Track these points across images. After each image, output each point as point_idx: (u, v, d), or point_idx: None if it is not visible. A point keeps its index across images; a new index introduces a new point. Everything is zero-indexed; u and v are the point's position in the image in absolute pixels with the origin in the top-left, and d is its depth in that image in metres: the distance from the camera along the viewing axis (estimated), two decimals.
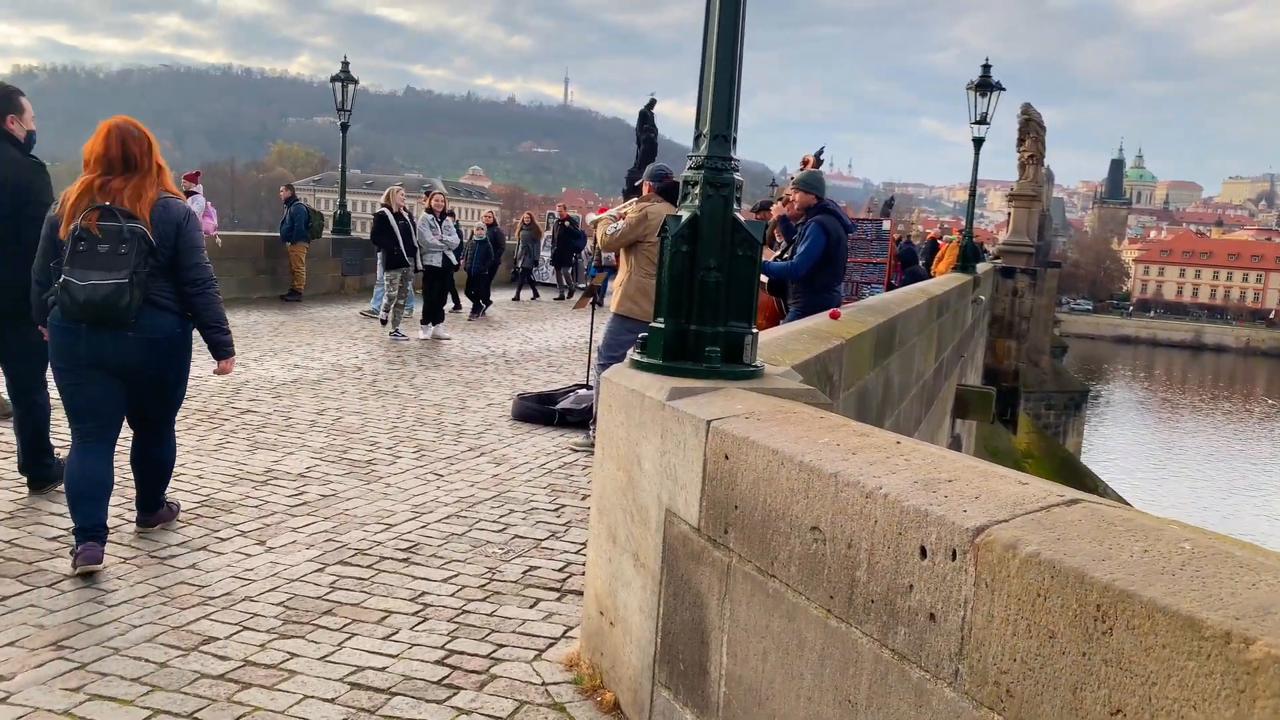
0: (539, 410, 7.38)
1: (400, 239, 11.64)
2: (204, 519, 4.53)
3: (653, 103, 25.14)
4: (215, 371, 4.41)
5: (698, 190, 2.99)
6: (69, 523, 4.25)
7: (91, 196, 3.81)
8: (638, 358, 3.06)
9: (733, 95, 2.98)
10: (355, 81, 18.31)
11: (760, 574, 2.25)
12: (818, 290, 6.57)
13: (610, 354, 6.54)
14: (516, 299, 18.74)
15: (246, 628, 3.39)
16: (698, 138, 3.02)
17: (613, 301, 6.66)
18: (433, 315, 12.07)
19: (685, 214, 2.99)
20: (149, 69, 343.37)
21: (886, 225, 13.77)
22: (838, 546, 2.00)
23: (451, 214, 13.72)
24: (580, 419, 7.19)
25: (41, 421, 4.72)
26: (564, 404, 7.42)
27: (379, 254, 13.04)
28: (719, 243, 2.97)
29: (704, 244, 2.97)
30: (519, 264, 19.82)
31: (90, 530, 3.78)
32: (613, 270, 16.70)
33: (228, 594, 3.67)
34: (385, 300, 12.06)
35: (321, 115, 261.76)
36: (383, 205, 11.88)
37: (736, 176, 3.02)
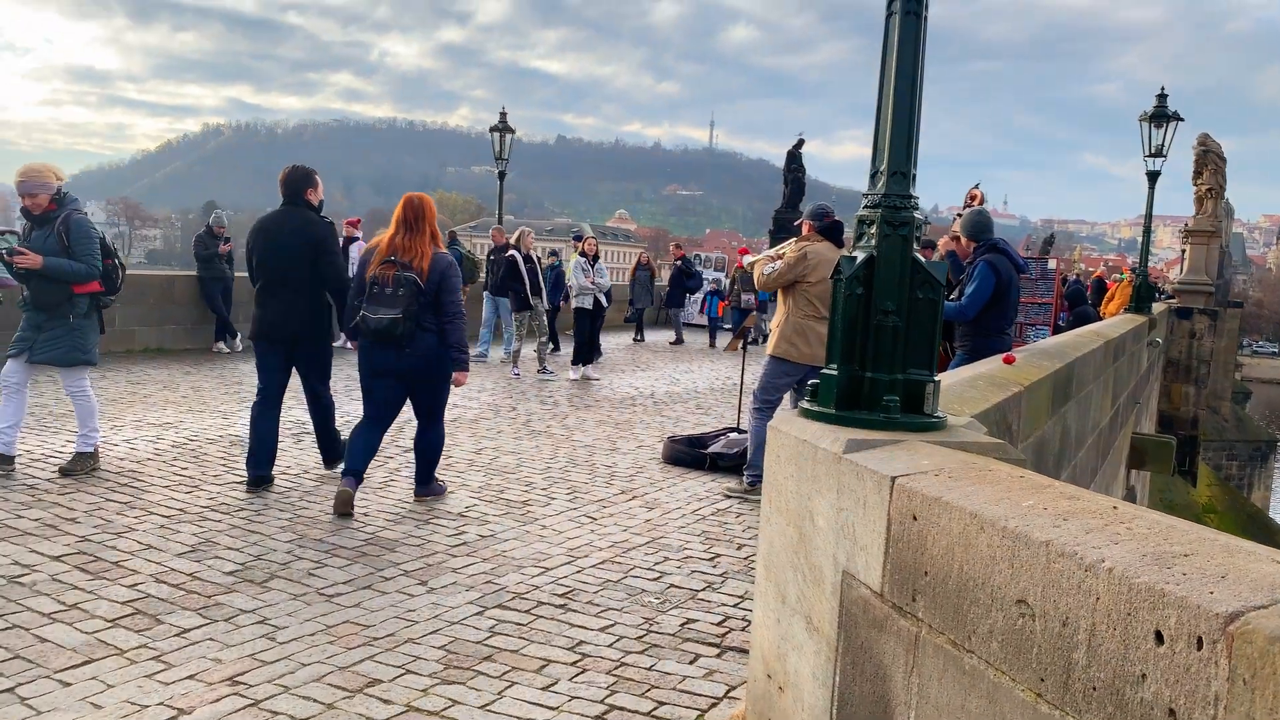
0: (690, 454, 7.27)
1: (528, 282, 11.81)
2: (369, 557, 4.62)
3: (801, 142, 24.99)
4: (453, 383, 5.67)
5: (874, 229, 2.83)
6: (245, 557, 4.42)
7: (385, 253, 5.36)
8: (808, 406, 2.92)
9: (912, 130, 2.83)
10: (512, 131, 18.94)
11: (954, 648, 2.05)
12: (987, 333, 6.23)
13: (765, 397, 6.39)
14: (639, 339, 18.33)
15: (409, 671, 3.39)
16: (874, 175, 2.87)
17: (769, 343, 6.52)
18: (583, 356, 12.21)
19: (861, 254, 2.84)
20: (322, 124, 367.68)
21: (1053, 264, 13.12)
22: (1050, 624, 1.79)
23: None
24: (732, 464, 7.04)
25: (327, 411, 6.25)
26: (715, 447, 7.29)
27: (489, 296, 13.46)
28: (897, 284, 2.80)
29: (881, 286, 2.81)
30: (634, 305, 19.20)
31: (354, 472, 5.42)
32: (752, 311, 16.51)
33: (391, 635, 3.70)
34: (516, 344, 12.13)
35: (478, 164, 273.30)
36: (512, 248, 12.09)
37: (916, 215, 2.85)
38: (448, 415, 8.77)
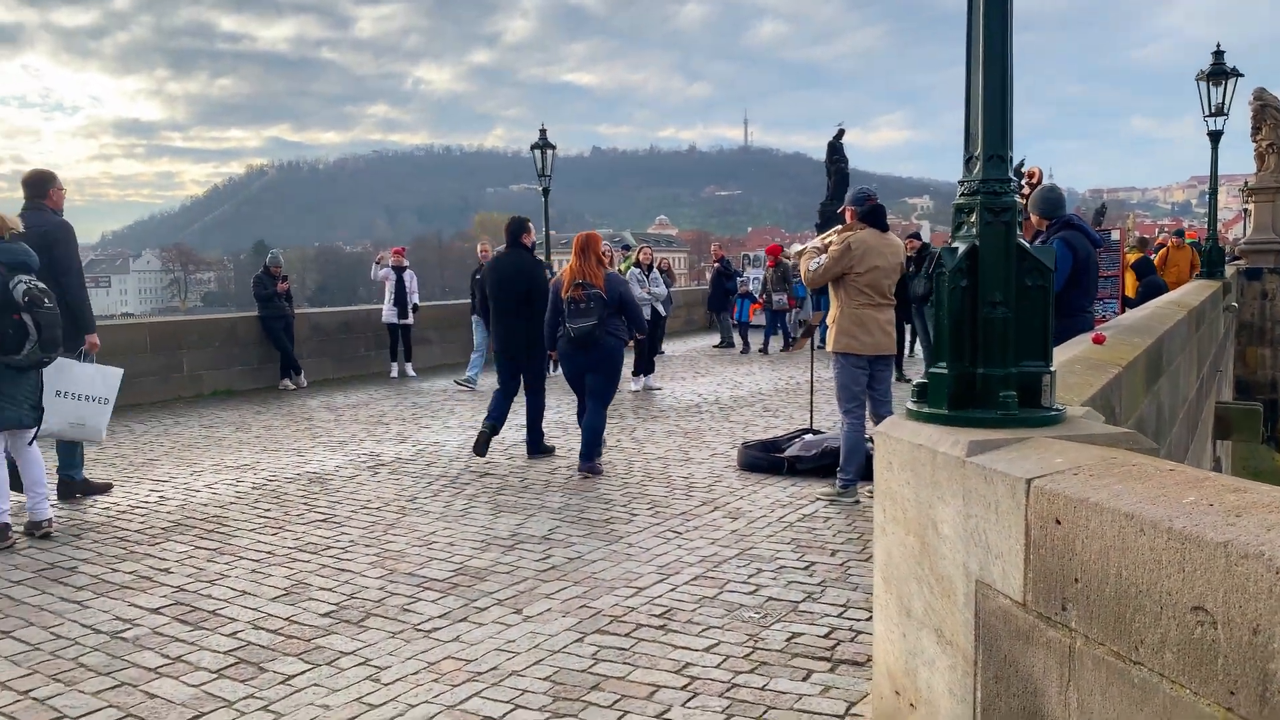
0: (766, 459, 7.13)
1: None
2: (460, 588, 4.57)
3: (841, 133, 24.63)
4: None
5: (974, 217, 2.70)
6: (338, 596, 4.41)
7: (574, 278, 6.98)
8: (916, 407, 2.79)
9: (1006, 111, 2.69)
10: (553, 147, 18.97)
11: (1119, 659, 1.91)
12: (1070, 312, 6.00)
13: (848, 399, 6.22)
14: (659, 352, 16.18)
15: (519, 705, 3.32)
16: (969, 160, 2.74)
17: (828, 340, 6.36)
18: (643, 367, 12.13)
19: (961, 245, 2.71)
20: (361, 156, 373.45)
21: (1116, 235, 12.73)
22: (1236, 632, 1.64)
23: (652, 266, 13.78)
24: (812, 466, 6.89)
25: (538, 411, 7.87)
26: (792, 451, 7.14)
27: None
28: (1004, 274, 2.67)
29: (986, 276, 2.67)
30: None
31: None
32: (787, 310, 16.07)
33: (494, 669, 3.63)
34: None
35: (516, 183, 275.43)
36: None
37: (1017, 199, 2.71)
38: (516, 435, 8.76)
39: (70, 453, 6.55)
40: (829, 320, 6.37)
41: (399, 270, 13.86)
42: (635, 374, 12.15)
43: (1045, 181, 7.62)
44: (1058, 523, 2.08)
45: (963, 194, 2.74)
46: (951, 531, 2.48)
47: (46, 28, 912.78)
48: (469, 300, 13.92)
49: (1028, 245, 2.71)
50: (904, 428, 2.76)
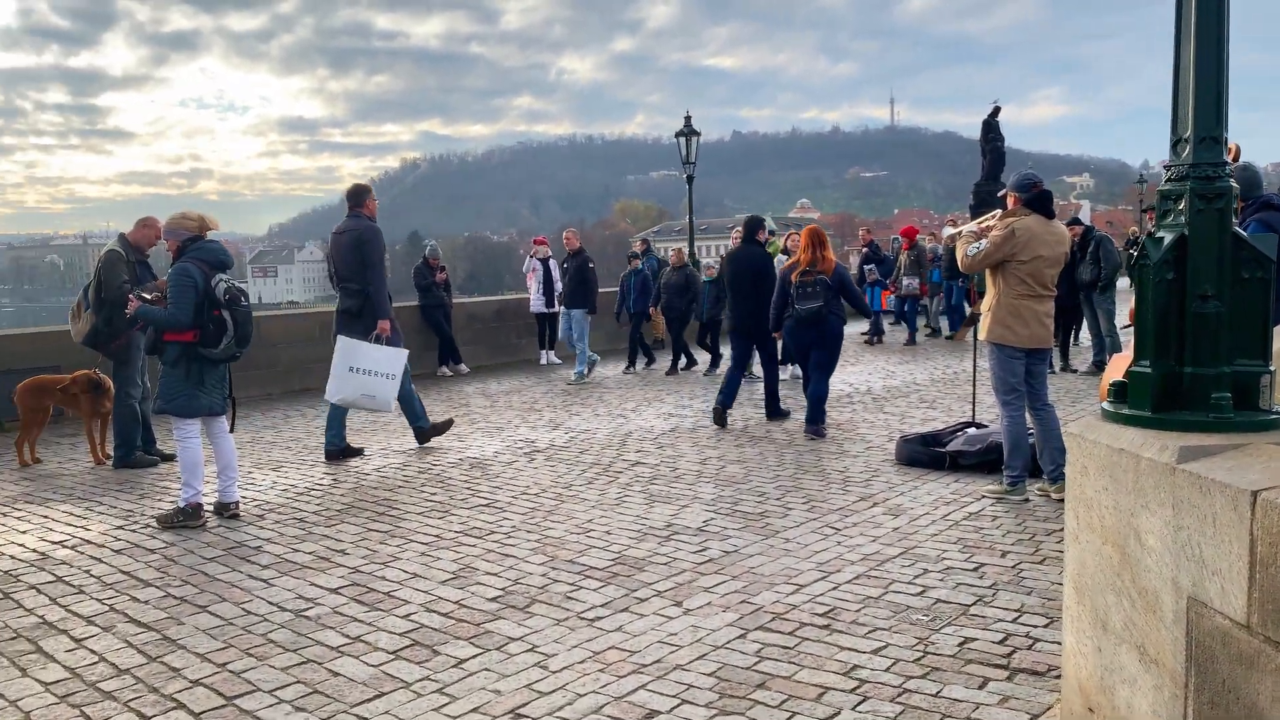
0: (927, 453, 6.90)
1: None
2: (620, 577, 4.61)
3: (997, 110, 23.56)
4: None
5: (1183, 204, 2.50)
6: (503, 582, 4.52)
7: (804, 266, 8.12)
8: (1114, 409, 2.61)
9: (1221, 88, 2.47)
10: (698, 134, 18.92)
11: None
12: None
13: (1006, 391, 5.95)
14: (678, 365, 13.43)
15: (685, 700, 3.31)
16: (1176, 143, 2.54)
17: (982, 329, 6.08)
18: (790, 355, 11.94)
19: (1168, 235, 2.51)
20: (507, 147, 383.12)
21: None
22: None
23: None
24: (976, 461, 6.62)
25: (774, 379, 9.24)
26: (954, 445, 6.88)
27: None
28: (1217, 265, 2.46)
29: (1196, 268, 2.48)
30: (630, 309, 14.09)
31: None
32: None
33: (658, 661, 3.64)
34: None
35: (656, 170, 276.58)
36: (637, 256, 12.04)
37: (1232, 184, 2.49)
38: (665, 425, 8.79)
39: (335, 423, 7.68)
40: (983, 308, 6.10)
41: (544, 261, 14.13)
42: (781, 363, 11.99)
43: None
44: None
45: (1169, 179, 2.55)
46: (1158, 543, 2.31)
47: (220, 33, 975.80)
48: (615, 289, 14.06)
49: (1244, 234, 2.49)
50: (1101, 430, 2.59)
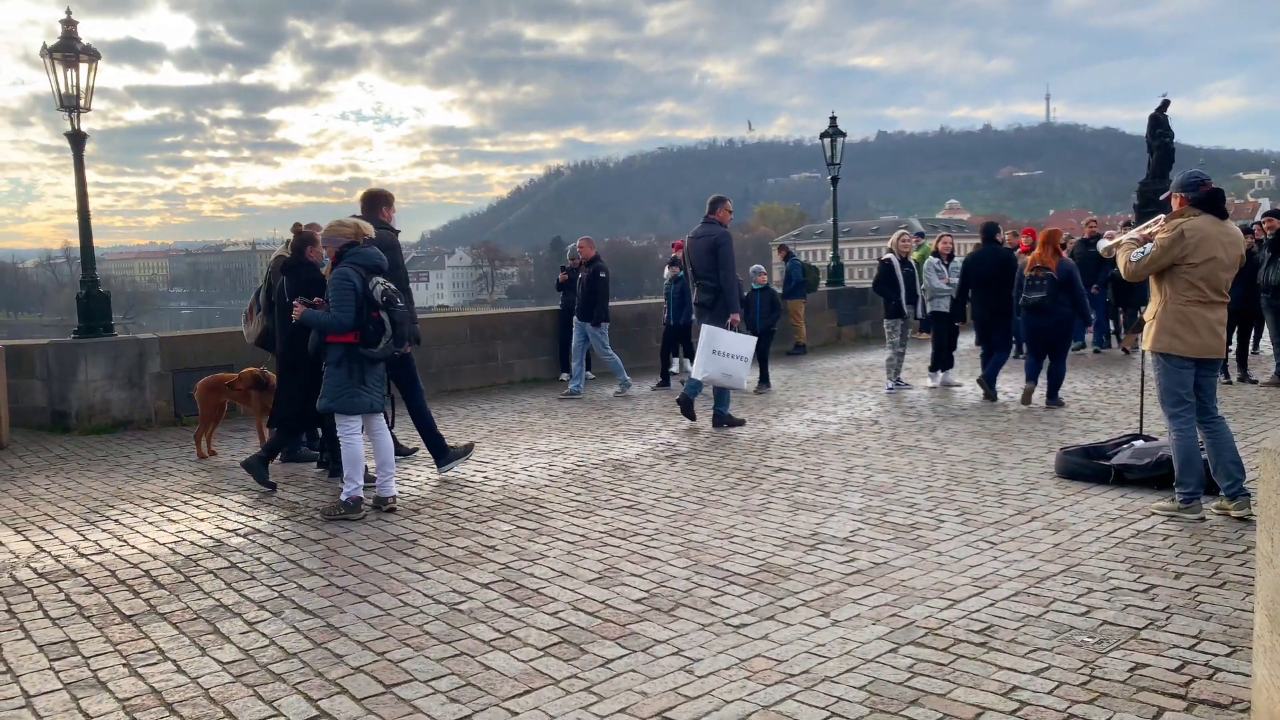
0: (1089, 466, 6.53)
1: (904, 287, 11.17)
2: (765, 585, 4.56)
3: (1165, 104, 22.25)
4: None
5: None
6: (648, 584, 4.55)
7: (1034, 263, 9.62)
8: None
9: None
10: (843, 135, 18.59)
11: None
12: None
13: (1173, 403, 5.56)
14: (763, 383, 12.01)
15: (834, 713, 3.24)
16: None
17: (1146, 337, 5.70)
18: (941, 362, 11.58)
19: None
20: (648, 153, 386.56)
21: None
22: None
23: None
24: (1144, 476, 6.24)
25: (997, 365, 10.50)
26: (1120, 458, 6.50)
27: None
28: None
29: None
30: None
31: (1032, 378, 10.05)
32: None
33: (806, 671, 3.57)
34: (889, 354, 11.47)
35: (796, 172, 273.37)
36: (889, 252, 11.56)
37: None
38: (808, 431, 8.65)
39: (721, 397, 9.09)
40: (1147, 316, 5.73)
41: (673, 262, 13.25)
42: (932, 369, 11.61)
43: None
44: None
45: None
46: None
47: (379, 47, 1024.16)
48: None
49: None
50: None
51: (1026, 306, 9.60)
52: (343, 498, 6.07)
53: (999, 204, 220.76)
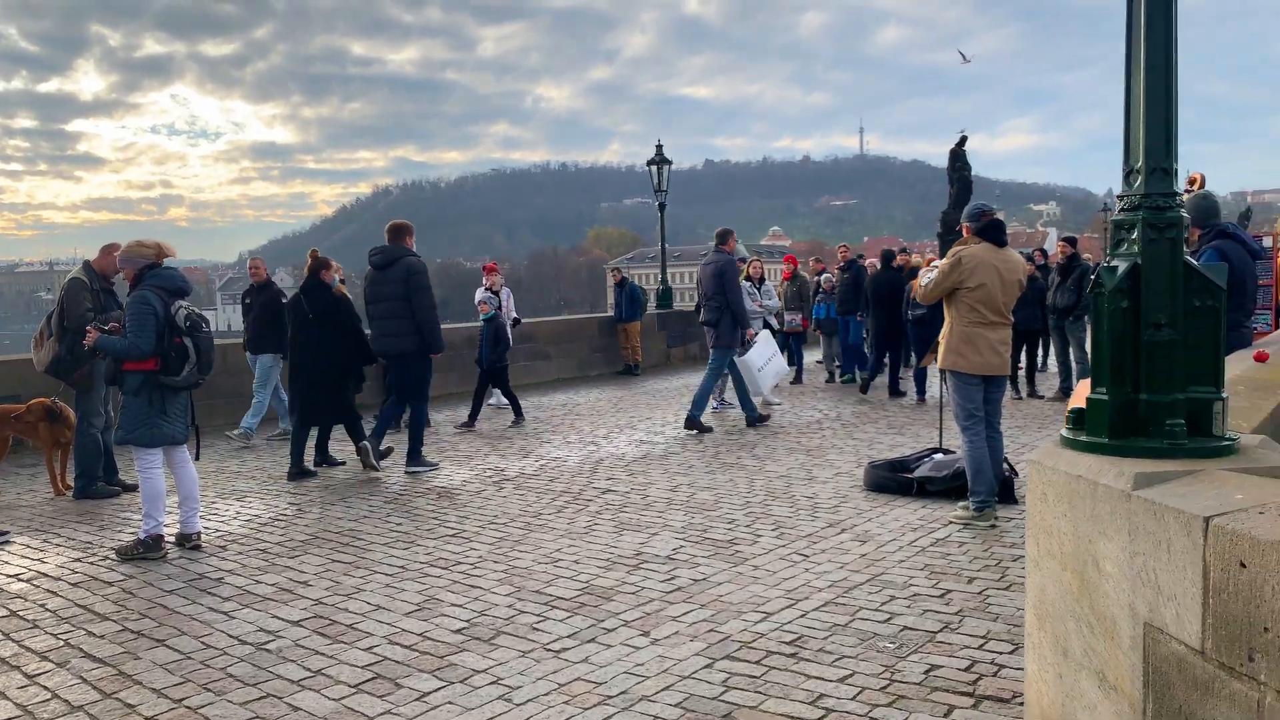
0: (894, 479, 6.92)
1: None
2: (587, 607, 4.57)
3: (963, 139, 23.91)
4: None
5: (1136, 234, 2.54)
6: (469, 613, 4.46)
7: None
8: (1072, 436, 2.63)
9: (1171, 120, 2.52)
10: (669, 162, 19.03)
11: None
12: (1227, 327, 5.63)
13: (965, 417, 6.03)
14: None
15: None
16: (1129, 174, 2.58)
17: (940, 356, 6.18)
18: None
19: (1121, 264, 2.55)
20: (481, 174, 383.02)
21: (1269, 241, 11.93)
22: None
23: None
24: (944, 488, 6.66)
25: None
26: (921, 471, 6.91)
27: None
28: (1169, 294, 2.50)
29: (1149, 296, 2.51)
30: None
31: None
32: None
33: (624, 692, 3.60)
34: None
35: (630, 197, 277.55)
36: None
37: (1183, 214, 2.54)
38: (636, 451, 8.75)
39: (700, 402, 10.02)
40: (940, 336, 6.22)
41: (495, 291, 11.92)
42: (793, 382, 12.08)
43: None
44: (1242, 566, 1.92)
45: (1123, 209, 2.59)
46: (1115, 570, 2.32)
47: (194, 58, 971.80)
48: (594, 314, 13.68)
49: (1196, 263, 2.54)
50: (1060, 457, 2.61)
51: (913, 320, 11.18)
52: (141, 536, 5.68)
53: (818, 231, 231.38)
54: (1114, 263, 2.58)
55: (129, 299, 5.75)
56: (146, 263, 5.81)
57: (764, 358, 10.71)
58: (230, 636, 4.31)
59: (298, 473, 7.99)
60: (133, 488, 7.02)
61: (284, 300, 9.88)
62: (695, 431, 9.80)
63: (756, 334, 11.12)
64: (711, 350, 10.33)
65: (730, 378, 10.79)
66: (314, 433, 8.42)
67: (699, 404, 10.07)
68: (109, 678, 3.88)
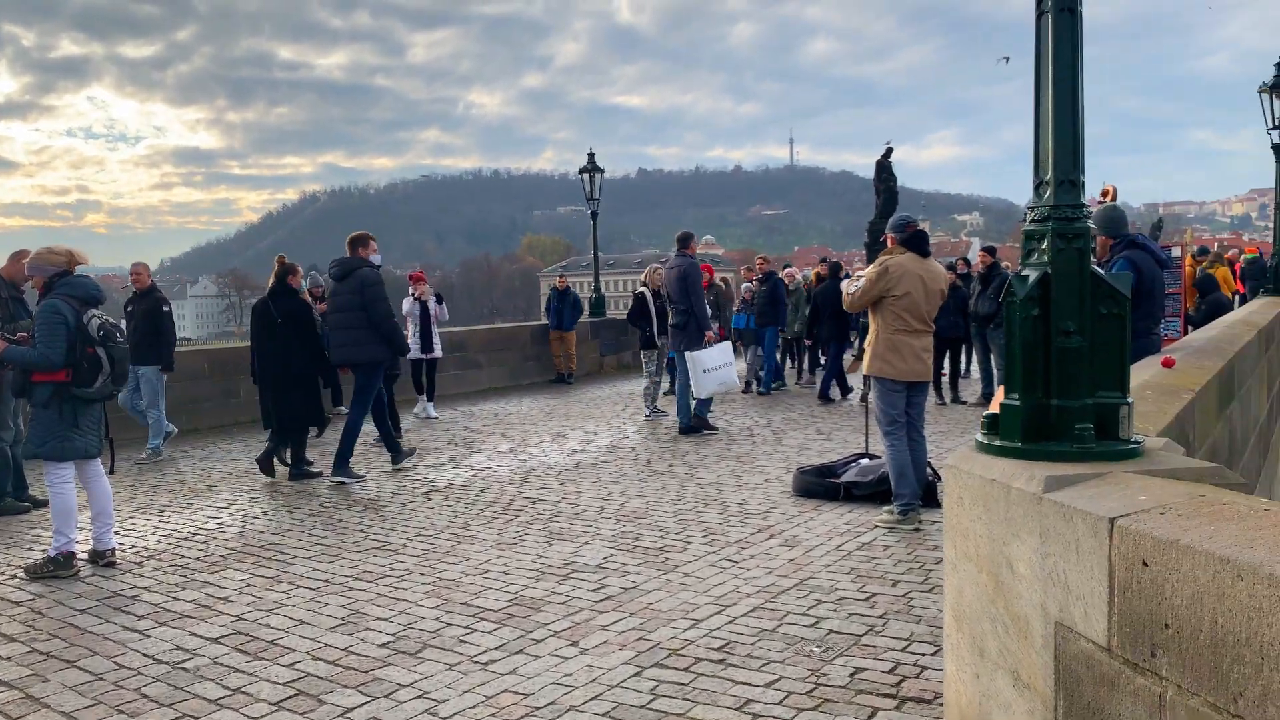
0: (821, 485, 7.02)
1: (655, 319, 11.57)
2: (516, 619, 4.54)
3: (889, 151, 24.42)
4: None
5: (1045, 244, 2.62)
6: (395, 627, 4.39)
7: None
8: (987, 440, 2.70)
9: (1077, 134, 2.61)
10: (601, 171, 19.06)
11: (1216, 711, 1.81)
12: (1134, 334, 5.84)
13: (888, 422, 6.19)
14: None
15: None
16: (1039, 186, 2.66)
17: (865, 362, 6.34)
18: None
19: (1033, 273, 2.63)
20: (411, 180, 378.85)
21: (1177, 251, 12.42)
22: None
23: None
24: (869, 492, 6.77)
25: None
26: (848, 476, 7.02)
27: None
28: (1078, 302, 2.58)
29: (1059, 304, 2.59)
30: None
31: None
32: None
33: (552, 703, 3.58)
34: (646, 382, 11.81)
35: (563, 205, 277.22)
36: (642, 285, 11.94)
37: (1090, 225, 2.63)
38: (568, 461, 8.72)
39: (684, 407, 10.25)
40: (866, 344, 6.37)
41: (423, 301, 12.10)
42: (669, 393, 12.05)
43: (1096, 197, 7.55)
44: (1145, 565, 1.99)
45: (1033, 220, 2.67)
46: (1028, 571, 2.39)
47: (113, 60, 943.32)
48: (528, 321, 13.63)
49: (1102, 273, 2.63)
50: (975, 461, 2.67)
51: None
52: (51, 553, 5.47)
53: (750, 240, 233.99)
54: (1025, 272, 2.66)
55: (39, 308, 5.55)
56: (57, 270, 5.61)
57: (715, 363, 10.71)
58: (145, 656, 4.17)
59: (299, 473, 8.27)
60: (43, 503, 6.75)
61: (166, 308, 9.36)
62: (705, 431, 10.13)
63: (716, 340, 10.95)
64: (681, 354, 10.30)
65: (675, 379, 10.88)
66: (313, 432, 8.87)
67: (684, 411, 10.24)
68: (15, 701, 3.72)
